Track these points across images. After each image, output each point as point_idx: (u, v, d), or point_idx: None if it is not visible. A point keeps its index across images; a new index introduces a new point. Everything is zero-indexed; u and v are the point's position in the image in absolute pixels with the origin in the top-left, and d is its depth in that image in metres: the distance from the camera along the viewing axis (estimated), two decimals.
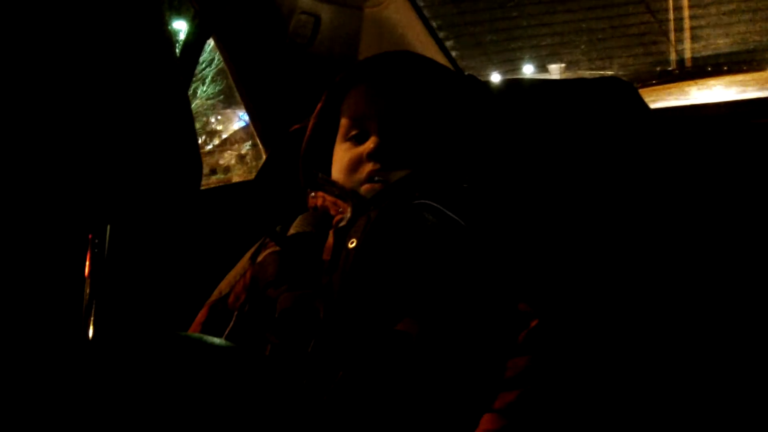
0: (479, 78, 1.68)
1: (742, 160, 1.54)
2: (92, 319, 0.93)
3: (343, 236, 1.24)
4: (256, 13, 1.93)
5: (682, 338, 1.42)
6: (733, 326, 1.42)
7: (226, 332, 1.29)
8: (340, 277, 1.19)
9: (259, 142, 2.13)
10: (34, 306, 0.94)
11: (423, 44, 2.38)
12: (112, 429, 0.76)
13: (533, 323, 1.14)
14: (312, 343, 1.15)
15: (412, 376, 1.11)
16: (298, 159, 1.45)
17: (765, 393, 1.36)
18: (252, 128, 2.14)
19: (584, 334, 1.23)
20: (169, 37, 0.84)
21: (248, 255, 1.39)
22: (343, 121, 1.39)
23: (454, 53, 2.63)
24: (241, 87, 2.06)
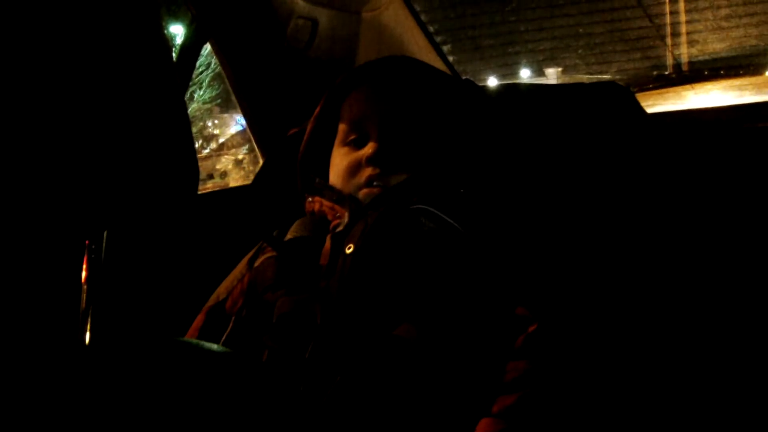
0: (476, 82, 1.68)
1: (739, 165, 1.54)
2: (89, 324, 0.92)
3: (340, 241, 1.24)
4: (253, 17, 1.93)
5: (681, 341, 1.42)
6: (733, 331, 1.42)
7: (224, 337, 1.29)
8: (337, 282, 1.19)
9: (256, 146, 2.13)
10: (31, 312, 0.94)
11: (420, 48, 2.38)
12: None
13: (531, 328, 1.14)
14: (309, 348, 1.14)
15: (410, 381, 1.10)
16: (296, 163, 1.45)
17: (765, 395, 1.36)
18: (249, 133, 2.14)
19: (582, 337, 1.23)
20: (166, 41, 0.84)
21: (245, 260, 1.39)
22: (342, 126, 1.38)
23: (451, 57, 2.63)
24: (238, 91, 2.06)
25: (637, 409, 1.35)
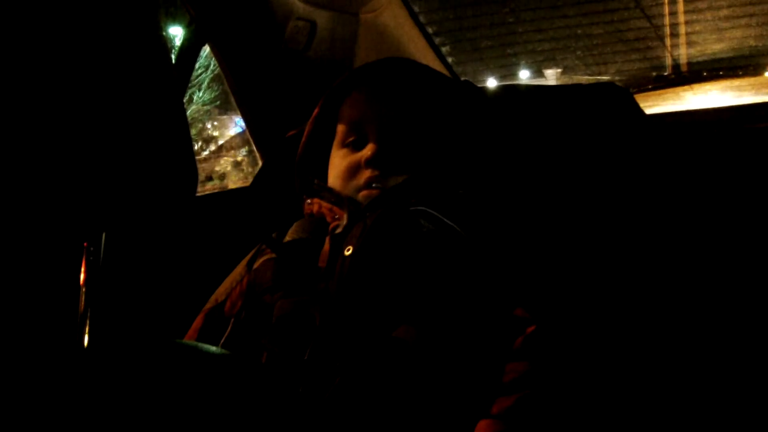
0: (475, 84, 1.68)
1: (738, 165, 1.54)
2: (87, 327, 0.92)
3: (339, 243, 1.24)
4: (251, 19, 1.93)
5: (680, 342, 1.42)
6: (732, 333, 1.42)
7: (223, 339, 1.29)
8: (336, 284, 1.19)
9: (255, 148, 2.13)
10: (29, 314, 0.94)
11: (419, 50, 2.38)
12: None
13: (530, 329, 1.14)
14: (308, 350, 1.14)
15: (409, 383, 1.10)
16: (294, 165, 1.44)
17: (766, 396, 1.36)
18: (248, 135, 2.14)
19: (581, 339, 1.23)
20: (165, 43, 0.84)
21: (244, 262, 1.39)
22: (340, 128, 1.38)
23: (450, 59, 2.64)
24: (237, 93, 2.06)
25: (636, 410, 1.35)
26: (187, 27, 1.90)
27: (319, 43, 2.06)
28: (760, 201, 1.48)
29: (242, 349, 1.26)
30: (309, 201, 1.38)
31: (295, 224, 1.36)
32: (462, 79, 1.85)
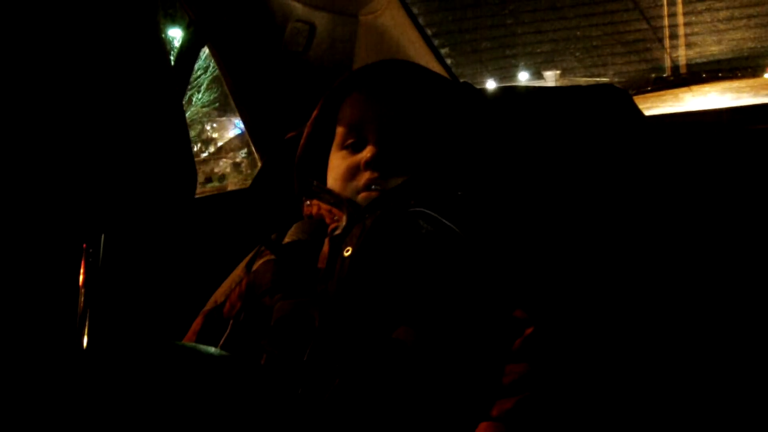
0: (474, 85, 1.68)
1: (737, 167, 1.54)
2: (87, 328, 0.92)
3: (338, 244, 1.24)
4: (251, 20, 1.93)
5: (679, 343, 1.42)
6: (732, 337, 1.42)
7: (222, 341, 1.29)
8: (335, 286, 1.19)
9: (254, 150, 2.13)
10: (29, 316, 0.94)
11: (418, 52, 2.38)
12: None
13: (528, 330, 1.14)
14: (307, 352, 1.14)
15: (409, 384, 1.10)
16: (293, 167, 1.45)
17: (766, 397, 1.36)
18: (247, 136, 2.14)
19: (580, 340, 1.23)
20: (164, 45, 0.84)
21: (243, 263, 1.39)
22: (340, 129, 1.38)
23: (449, 61, 2.64)
24: (237, 95, 2.06)
25: (635, 411, 1.35)
26: (187, 29, 1.90)
27: (318, 44, 2.07)
28: (759, 202, 1.48)
29: (241, 351, 1.26)
30: (308, 202, 1.38)
31: (294, 226, 1.36)
32: (461, 80, 1.85)
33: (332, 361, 1.13)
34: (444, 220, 1.23)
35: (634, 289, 1.43)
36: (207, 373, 0.88)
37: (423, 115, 1.36)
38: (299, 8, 1.97)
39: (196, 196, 1.27)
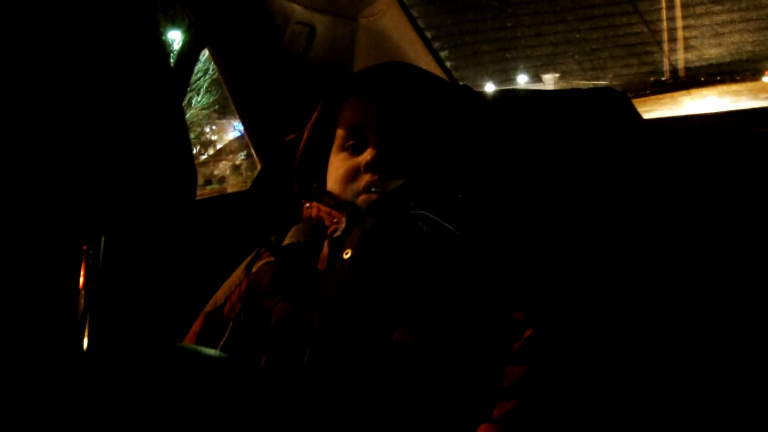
0: (474, 88, 1.68)
1: (736, 170, 1.54)
2: (87, 330, 0.92)
3: (338, 246, 1.24)
4: (251, 23, 1.93)
5: (678, 347, 1.42)
6: (731, 341, 1.42)
7: (221, 343, 1.29)
8: (335, 288, 1.19)
9: (253, 152, 2.13)
10: (28, 317, 0.94)
11: (418, 54, 2.38)
12: None
13: (528, 333, 1.14)
14: (307, 354, 1.14)
15: (408, 386, 1.10)
16: (293, 169, 1.45)
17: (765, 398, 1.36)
18: (247, 138, 2.14)
19: (580, 342, 1.23)
20: (164, 47, 0.84)
21: (243, 265, 1.39)
22: (339, 132, 1.39)
23: (448, 64, 2.64)
24: (236, 97, 2.06)
25: (635, 413, 1.35)
26: (186, 31, 1.90)
27: (318, 47, 2.07)
28: (758, 205, 1.49)
29: (241, 353, 1.26)
30: (308, 205, 1.38)
31: (293, 228, 1.36)
32: (460, 83, 1.86)
33: (332, 363, 1.13)
34: (443, 223, 1.23)
35: (633, 291, 1.43)
36: (207, 374, 0.88)
37: (423, 118, 1.36)
38: (299, 10, 1.97)
39: (196, 199, 1.27)
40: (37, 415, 0.76)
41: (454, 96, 1.50)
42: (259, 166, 2.05)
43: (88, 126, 0.73)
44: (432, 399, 1.11)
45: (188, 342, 1.33)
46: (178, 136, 0.83)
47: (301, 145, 1.45)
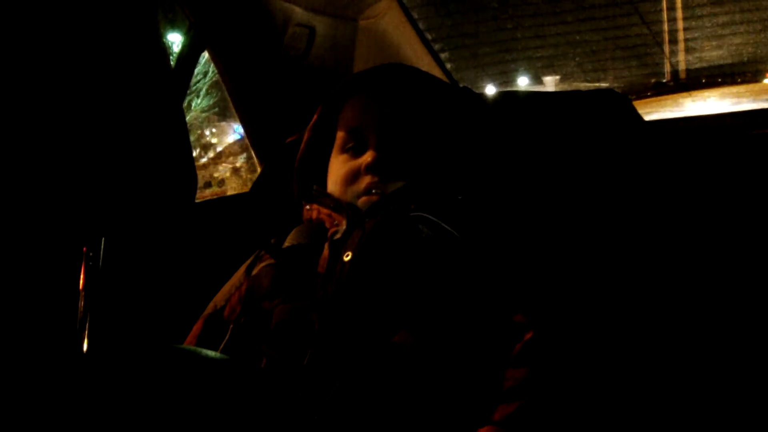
0: (474, 90, 1.68)
1: (737, 172, 1.54)
2: (87, 332, 0.92)
3: (338, 248, 1.24)
4: (250, 25, 1.94)
5: (679, 349, 1.42)
6: (730, 345, 1.42)
7: (222, 345, 1.29)
8: (335, 290, 1.19)
9: (253, 154, 2.13)
10: (29, 319, 0.94)
11: (418, 56, 2.38)
12: None
13: (528, 335, 1.14)
14: (307, 356, 1.14)
15: (409, 388, 1.10)
16: (293, 171, 1.44)
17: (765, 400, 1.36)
18: (247, 141, 2.14)
19: (580, 344, 1.23)
20: (164, 49, 0.84)
21: (243, 267, 1.39)
22: (340, 134, 1.38)
23: (449, 65, 2.64)
24: (236, 99, 2.06)
25: (636, 415, 1.35)
26: (186, 33, 1.90)
27: (318, 49, 2.07)
28: (759, 207, 1.48)
29: (241, 355, 1.26)
30: (308, 207, 1.38)
31: (294, 230, 1.36)
32: (461, 85, 1.85)
33: (332, 365, 1.13)
34: (444, 225, 1.23)
35: (634, 293, 1.43)
36: (207, 376, 0.88)
37: (423, 120, 1.36)
38: (299, 12, 1.97)
39: (196, 201, 1.27)
40: (38, 417, 0.76)
41: (454, 98, 1.50)
42: (259, 169, 2.05)
43: (89, 129, 0.73)
44: (432, 401, 1.10)
45: (188, 344, 1.32)
46: (178, 139, 0.83)
47: (301, 147, 1.45)
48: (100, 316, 0.93)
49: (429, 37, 2.49)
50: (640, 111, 1.62)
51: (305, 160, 1.44)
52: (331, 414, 1.09)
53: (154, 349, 0.91)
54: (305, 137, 1.45)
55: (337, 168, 1.36)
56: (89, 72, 0.73)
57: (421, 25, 2.43)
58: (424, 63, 2.39)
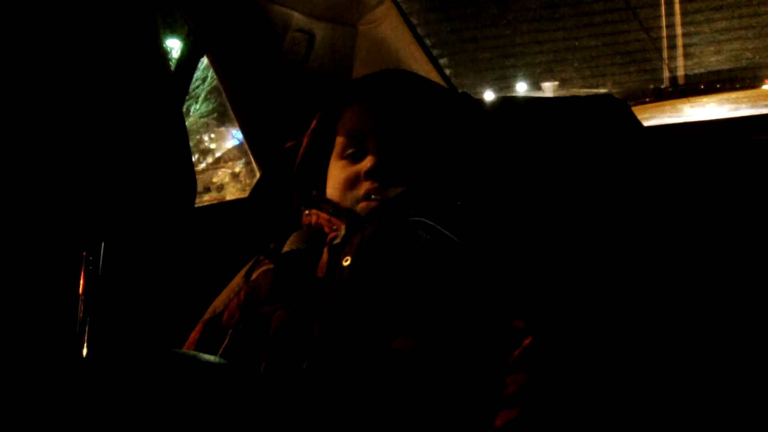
0: (473, 95, 1.68)
1: (735, 177, 1.54)
2: (86, 336, 0.92)
3: (337, 254, 1.24)
4: (250, 30, 1.94)
5: (679, 353, 1.42)
6: (730, 348, 1.42)
7: (221, 350, 1.28)
8: (334, 295, 1.19)
9: (252, 160, 2.13)
10: (28, 323, 0.94)
11: (417, 62, 2.38)
12: None
13: (527, 341, 1.14)
14: (306, 361, 1.14)
15: (408, 394, 1.10)
16: (292, 177, 1.45)
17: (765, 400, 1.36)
18: (246, 146, 2.14)
19: (580, 349, 1.23)
20: (163, 54, 0.84)
21: (242, 273, 1.39)
22: (339, 139, 1.39)
23: (447, 71, 2.64)
24: (235, 105, 2.06)
25: (637, 419, 1.35)
26: (186, 38, 1.90)
27: (317, 54, 2.07)
28: (757, 212, 1.49)
29: (240, 360, 1.26)
30: (307, 212, 1.38)
31: (293, 235, 1.36)
32: (460, 90, 1.86)
33: (331, 370, 1.13)
34: (443, 230, 1.23)
35: (633, 297, 1.43)
36: (206, 381, 0.88)
37: (422, 125, 1.36)
38: (298, 18, 1.98)
39: (195, 206, 1.27)
40: (37, 420, 0.76)
41: (453, 103, 1.50)
42: (258, 174, 2.05)
43: (89, 134, 0.73)
44: (431, 407, 1.10)
45: (187, 349, 1.32)
46: (178, 144, 0.83)
47: (301, 152, 1.45)
48: (100, 320, 0.93)
49: (428, 42, 2.49)
50: (639, 117, 1.63)
51: (304, 166, 1.44)
52: (330, 420, 1.09)
53: (153, 354, 0.91)
54: (304, 142, 1.45)
55: (337, 173, 1.36)
56: (89, 77, 0.73)
57: (420, 31, 2.43)
58: (423, 68, 2.39)
